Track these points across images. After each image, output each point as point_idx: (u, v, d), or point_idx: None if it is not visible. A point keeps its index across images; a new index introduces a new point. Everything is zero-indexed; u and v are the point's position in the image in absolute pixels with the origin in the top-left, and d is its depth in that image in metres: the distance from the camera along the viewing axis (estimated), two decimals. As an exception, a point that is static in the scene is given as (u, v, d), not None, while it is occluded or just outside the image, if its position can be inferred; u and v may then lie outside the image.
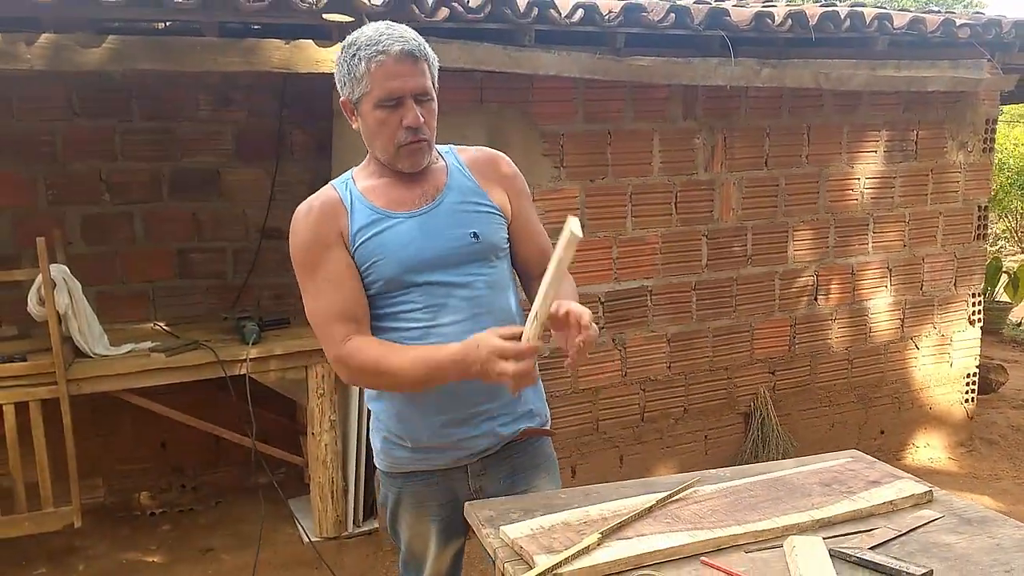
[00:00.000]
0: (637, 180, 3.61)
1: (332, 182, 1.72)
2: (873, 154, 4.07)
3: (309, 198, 1.70)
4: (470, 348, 1.50)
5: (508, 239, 1.74)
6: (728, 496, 1.61)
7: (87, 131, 3.74)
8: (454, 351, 1.53)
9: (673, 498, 1.58)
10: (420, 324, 1.64)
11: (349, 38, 1.60)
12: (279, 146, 4.01)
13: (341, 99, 1.63)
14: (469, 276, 1.66)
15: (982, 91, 4.15)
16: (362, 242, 1.63)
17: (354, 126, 1.66)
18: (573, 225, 1.39)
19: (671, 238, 3.71)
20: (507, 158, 1.80)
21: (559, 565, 1.30)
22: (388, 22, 1.61)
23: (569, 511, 1.52)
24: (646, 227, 3.66)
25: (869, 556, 1.37)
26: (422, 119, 1.58)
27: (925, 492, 1.62)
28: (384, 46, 1.54)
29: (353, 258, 1.64)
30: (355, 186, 1.68)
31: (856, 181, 4.06)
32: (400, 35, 1.56)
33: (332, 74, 2.97)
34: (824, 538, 1.44)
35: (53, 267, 3.01)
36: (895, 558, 1.37)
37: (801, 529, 1.49)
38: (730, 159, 3.77)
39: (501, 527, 1.44)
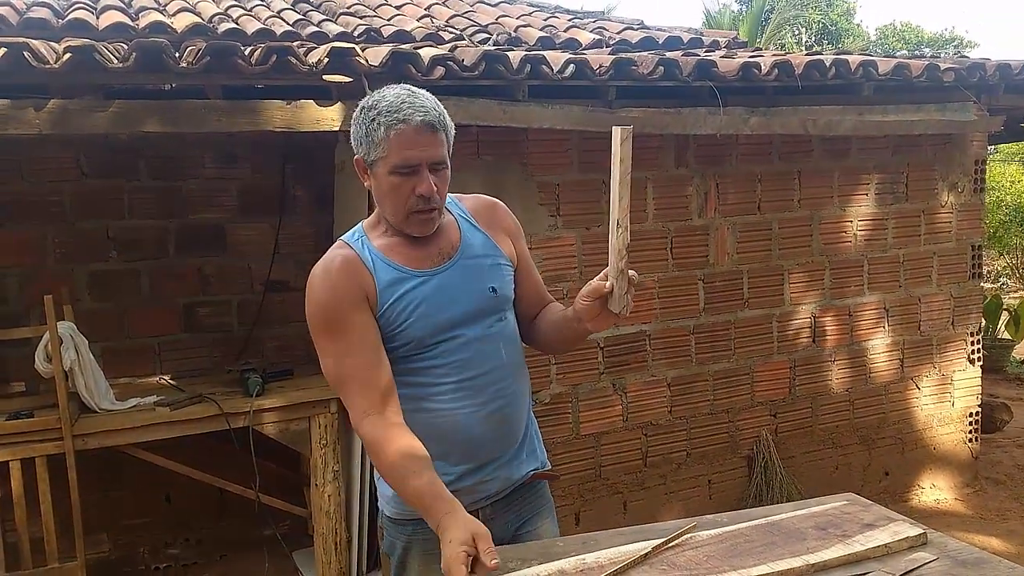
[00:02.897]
0: (632, 227, 3.66)
1: (344, 238, 1.70)
2: (864, 197, 4.14)
3: (325, 256, 1.68)
4: (452, 532, 1.48)
5: (513, 284, 1.78)
6: (724, 542, 1.63)
7: (95, 190, 3.84)
8: (447, 521, 1.50)
9: (669, 544, 1.60)
10: (448, 380, 1.68)
11: (369, 100, 1.60)
12: (282, 201, 4.09)
13: (356, 157, 1.63)
14: (491, 329, 1.70)
15: (970, 133, 4.23)
16: (390, 303, 1.63)
17: (366, 184, 1.66)
18: (617, 128, 1.41)
19: (668, 283, 3.76)
20: (503, 204, 1.84)
21: None
22: (410, 88, 1.61)
23: (566, 559, 1.53)
24: (643, 273, 3.71)
25: (862, 599, 1.39)
26: (435, 188, 1.59)
27: (919, 535, 1.64)
28: (405, 115, 1.54)
29: (378, 319, 1.63)
30: (371, 243, 1.67)
31: (849, 223, 4.12)
32: (421, 104, 1.57)
33: (333, 132, 3.06)
34: (818, 582, 1.45)
35: (60, 324, 3.06)
36: (888, 601, 1.38)
37: (796, 574, 1.50)
38: (723, 204, 3.84)
39: None
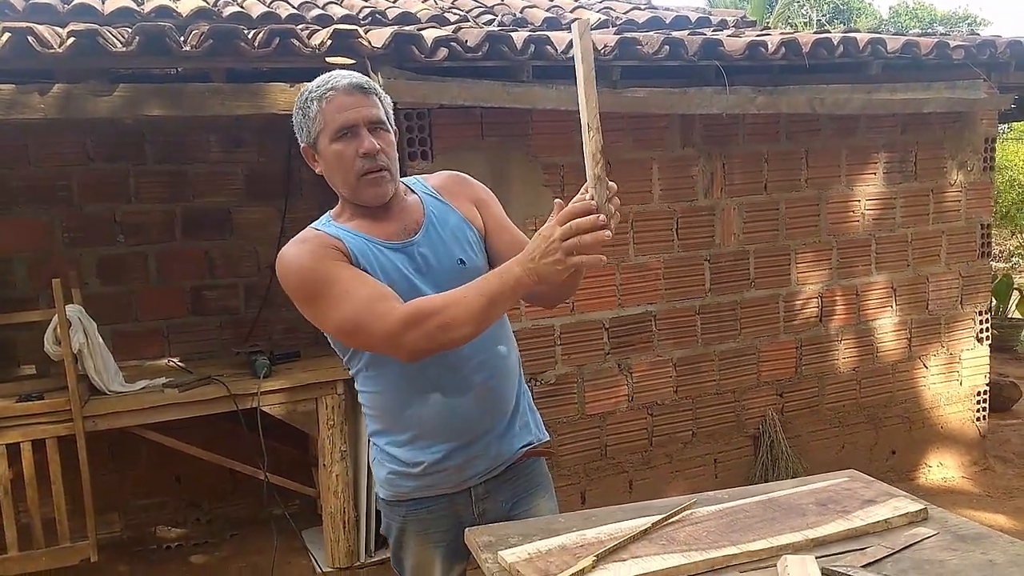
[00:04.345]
0: (638, 207, 3.67)
1: (311, 225, 1.71)
2: (873, 176, 4.11)
3: (291, 240, 1.68)
4: (530, 245, 1.42)
5: (485, 254, 1.77)
6: (724, 517, 1.64)
7: (102, 175, 3.86)
8: (522, 264, 1.42)
9: (669, 520, 1.61)
10: (431, 356, 1.66)
11: (298, 96, 1.66)
12: (288, 184, 4.10)
13: (302, 146, 1.66)
14: None
15: (980, 111, 4.19)
16: (362, 268, 1.63)
17: (317, 171, 1.67)
18: (575, 23, 1.40)
19: (673, 264, 3.76)
20: (469, 176, 1.84)
21: None
22: (332, 71, 1.67)
23: (566, 535, 1.55)
24: (648, 253, 3.71)
25: (861, 574, 1.39)
26: (378, 146, 1.61)
27: (920, 510, 1.64)
28: (333, 83, 1.61)
29: None
30: (337, 224, 1.69)
31: (857, 203, 4.10)
32: (347, 74, 1.64)
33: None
34: (817, 557, 1.46)
35: (69, 307, 3.09)
36: (887, 575, 1.39)
37: (796, 548, 1.51)
38: (730, 184, 3.82)
39: (499, 552, 1.48)
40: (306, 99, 1.63)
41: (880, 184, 4.13)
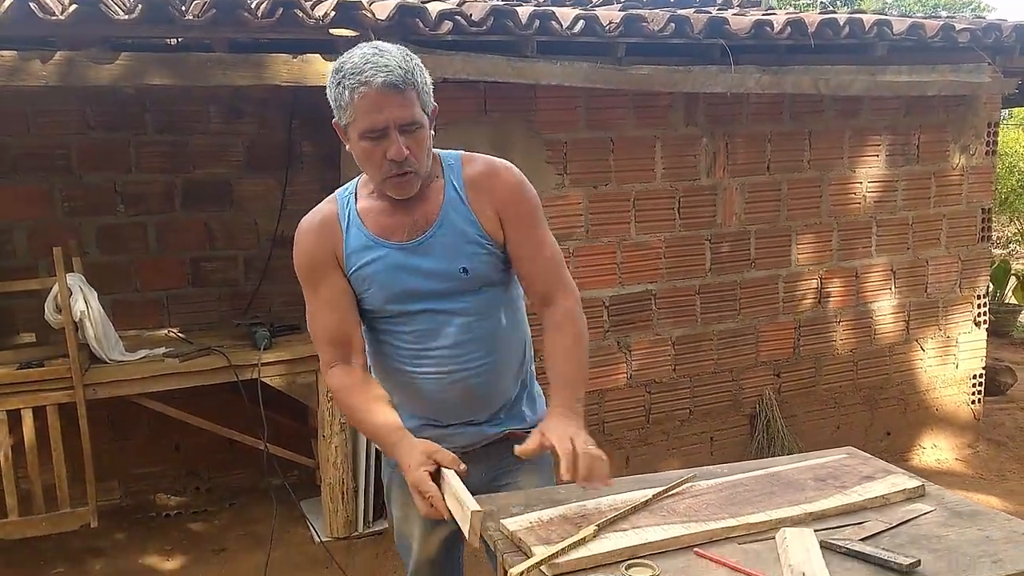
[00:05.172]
0: (640, 186, 3.67)
1: (336, 192, 1.74)
2: (875, 158, 4.11)
3: (312, 211, 1.73)
4: (406, 459, 1.54)
5: (505, 262, 1.72)
6: (723, 491, 1.66)
7: (102, 144, 3.83)
8: (399, 451, 1.57)
9: (669, 492, 1.63)
10: (411, 347, 1.71)
11: (337, 61, 1.57)
12: (288, 157, 4.08)
13: (333, 121, 1.61)
14: (459, 304, 1.68)
15: (983, 95, 4.18)
16: (355, 268, 1.67)
17: (347, 148, 1.65)
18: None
19: (674, 243, 3.76)
20: (510, 175, 1.71)
21: (556, 555, 1.35)
22: (377, 47, 1.55)
23: (567, 505, 1.57)
24: (649, 232, 3.71)
25: (859, 547, 1.41)
26: (406, 152, 1.54)
27: (917, 486, 1.66)
28: (367, 76, 1.50)
29: (348, 279, 1.69)
30: (355, 204, 1.69)
31: (858, 185, 4.10)
32: (385, 64, 1.51)
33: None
34: (815, 530, 1.48)
35: (69, 276, 3.09)
36: (884, 549, 1.40)
37: (794, 522, 1.53)
38: (732, 164, 3.82)
39: (501, 520, 1.50)
40: (339, 82, 1.54)
41: (882, 166, 4.13)
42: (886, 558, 1.37)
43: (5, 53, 2.69)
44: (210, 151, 4.00)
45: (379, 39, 2.91)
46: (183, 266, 4.01)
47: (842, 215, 4.08)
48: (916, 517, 1.57)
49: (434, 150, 1.69)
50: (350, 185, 1.74)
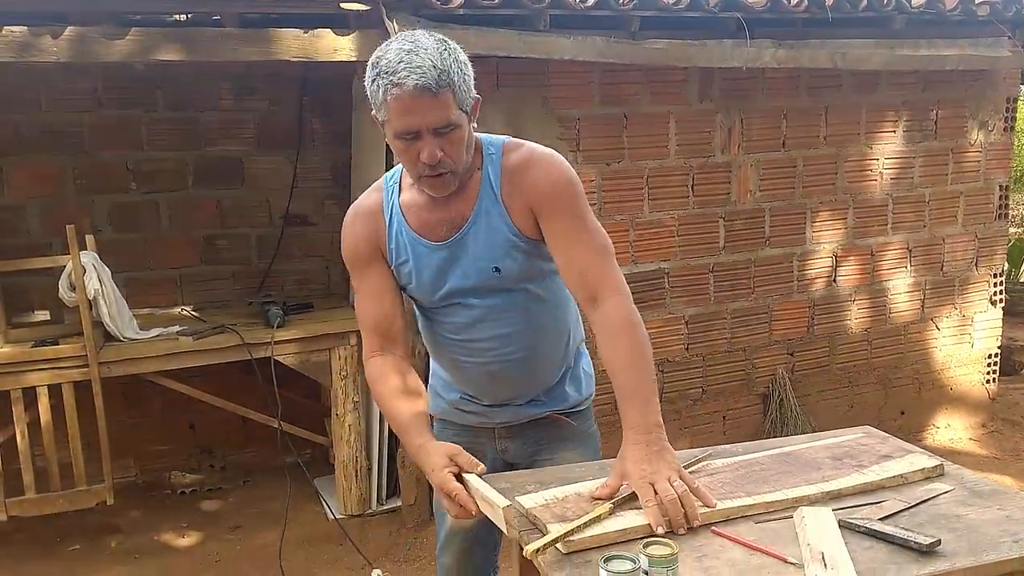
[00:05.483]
0: (654, 163, 3.63)
1: (383, 179, 1.73)
2: (892, 134, 4.05)
3: (359, 199, 1.74)
4: (429, 463, 1.53)
5: (546, 255, 1.66)
6: (739, 469, 1.64)
7: (113, 121, 3.82)
8: (422, 455, 1.57)
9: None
10: (452, 336, 1.73)
11: (374, 55, 1.51)
12: (300, 135, 4.06)
13: (372, 113, 1.56)
14: (495, 300, 1.67)
15: (1002, 69, 4.12)
16: (396, 263, 1.69)
17: (387, 141, 1.60)
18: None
19: (688, 220, 3.73)
20: (546, 167, 1.63)
21: (571, 533, 1.34)
22: (415, 41, 1.48)
23: (582, 483, 1.56)
24: (663, 210, 3.68)
25: (878, 526, 1.40)
26: (439, 155, 1.50)
27: (936, 466, 1.64)
28: (400, 78, 1.44)
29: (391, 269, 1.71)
30: (398, 195, 1.68)
31: (875, 162, 4.05)
32: (419, 64, 1.44)
33: (350, 63, 3.02)
34: (834, 510, 1.47)
35: (83, 254, 3.10)
36: (904, 528, 1.39)
37: (811, 501, 1.51)
38: (747, 141, 3.78)
39: (516, 497, 1.49)
40: (374, 79, 1.48)
41: (899, 143, 4.07)
42: (906, 537, 1.36)
43: (15, 29, 2.68)
44: (221, 129, 3.98)
45: (391, 14, 2.90)
46: (195, 244, 4.01)
47: (858, 192, 4.03)
48: (935, 496, 1.55)
49: (480, 135, 1.65)
50: (396, 172, 1.72)
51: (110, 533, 3.51)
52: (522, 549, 1.36)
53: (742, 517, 1.46)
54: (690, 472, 1.59)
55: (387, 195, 1.70)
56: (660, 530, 1.35)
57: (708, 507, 1.43)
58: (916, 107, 4.07)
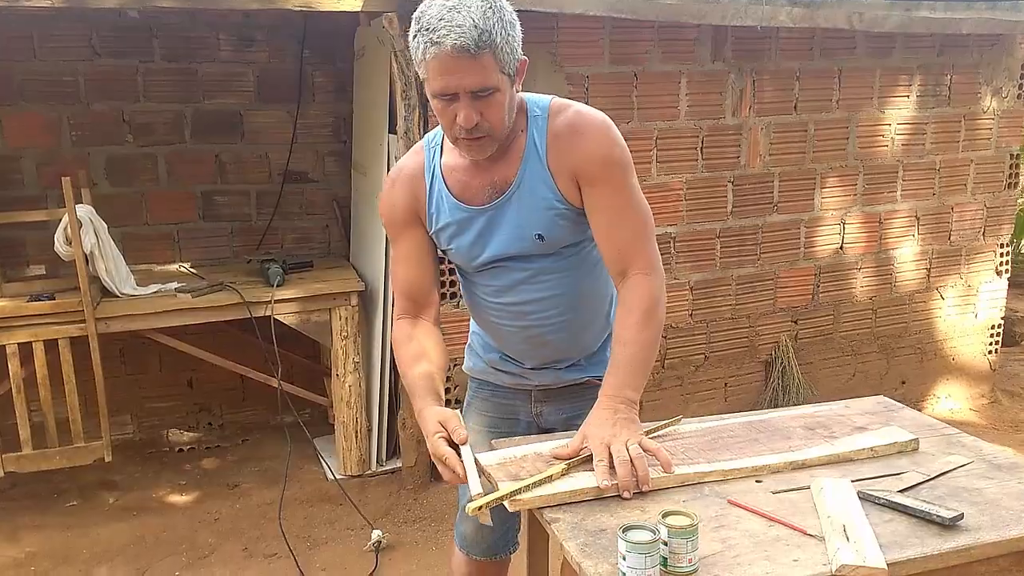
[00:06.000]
0: (663, 124, 3.56)
1: (425, 139, 1.69)
2: (905, 99, 3.97)
3: (403, 159, 1.71)
4: (424, 427, 1.54)
5: (586, 225, 1.62)
6: (707, 436, 1.62)
7: (109, 71, 3.72)
8: (421, 419, 1.56)
9: (651, 435, 1.59)
10: (491, 299, 1.72)
11: (420, 8, 1.45)
12: (300, 88, 3.97)
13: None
14: (536, 264, 1.65)
15: (1019, 34, 4.03)
16: (436, 228, 1.67)
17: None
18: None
19: (696, 184, 3.67)
20: (595, 134, 1.56)
21: (519, 492, 1.35)
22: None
23: (543, 443, 1.56)
24: (671, 173, 3.62)
25: (899, 499, 1.37)
26: (476, 119, 1.45)
27: (910, 440, 1.60)
28: (439, 36, 1.38)
29: (430, 234, 1.70)
30: (439, 157, 1.65)
31: (887, 127, 3.97)
32: (459, 23, 1.38)
33: (353, 13, 2.92)
34: (852, 481, 1.44)
35: (79, 207, 3.03)
36: (925, 501, 1.37)
37: (772, 470, 1.49)
38: (759, 103, 3.70)
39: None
40: (415, 35, 1.43)
41: (912, 108, 3.99)
42: (928, 510, 1.33)
43: (7, -28, 2.58)
44: (220, 80, 3.88)
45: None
46: (193, 199, 3.94)
47: (869, 158, 3.97)
48: (954, 469, 1.53)
49: (524, 95, 1.59)
50: (437, 133, 1.67)
51: (107, 490, 3.50)
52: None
53: (699, 483, 1.45)
54: (658, 436, 1.59)
55: (429, 157, 1.66)
56: (604, 485, 1.37)
57: (666, 471, 1.43)
58: (930, 72, 3.99)
